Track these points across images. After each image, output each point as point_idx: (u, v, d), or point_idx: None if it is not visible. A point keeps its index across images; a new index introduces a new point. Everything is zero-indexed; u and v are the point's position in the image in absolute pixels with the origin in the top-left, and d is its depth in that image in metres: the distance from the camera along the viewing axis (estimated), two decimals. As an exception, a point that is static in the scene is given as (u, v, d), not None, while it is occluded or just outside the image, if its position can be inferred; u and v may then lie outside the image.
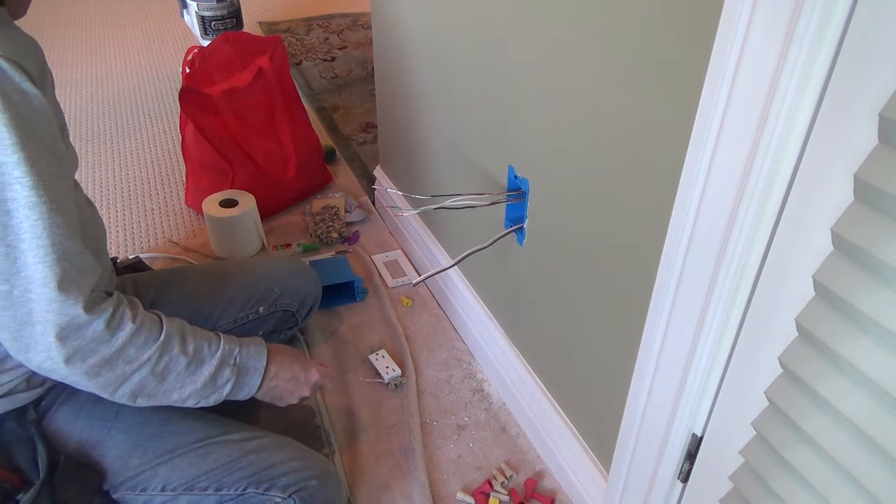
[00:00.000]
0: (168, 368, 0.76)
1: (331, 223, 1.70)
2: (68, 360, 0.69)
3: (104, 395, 0.74)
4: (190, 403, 0.79)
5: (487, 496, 1.08)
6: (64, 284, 0.67)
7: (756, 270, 0.59)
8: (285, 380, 0.89)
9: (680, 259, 0.67)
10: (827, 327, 0.51)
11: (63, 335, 0.67)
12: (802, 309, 0.54)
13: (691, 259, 0.65)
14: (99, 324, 0.69)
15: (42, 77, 0.73)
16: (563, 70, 0.83)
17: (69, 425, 0.82)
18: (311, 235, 1.70)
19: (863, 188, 0.46)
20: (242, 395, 0.85)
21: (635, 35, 0.69)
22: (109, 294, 0.74)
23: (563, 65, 0.83)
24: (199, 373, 0.78)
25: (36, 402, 0.81)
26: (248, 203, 1.59)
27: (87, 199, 0.90)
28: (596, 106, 0.79)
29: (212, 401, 0.81)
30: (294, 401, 0.93)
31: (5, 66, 0.63)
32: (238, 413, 0.95)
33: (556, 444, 1.10)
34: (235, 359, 0.83)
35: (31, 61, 0.69)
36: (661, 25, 0.65)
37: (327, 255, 1.63)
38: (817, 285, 0.52)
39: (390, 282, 1.55)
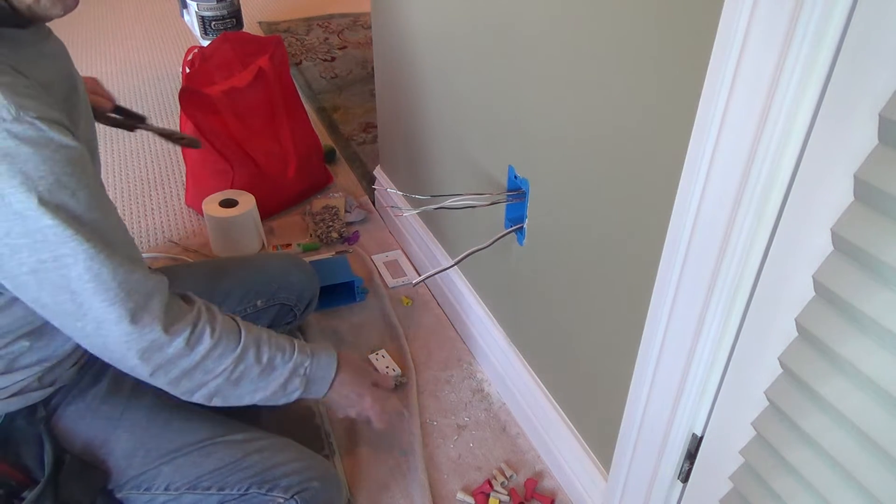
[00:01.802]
0: (243, 376, 0.79)
1: (331, 223, 1.70)
2: (152, 374, 0.73)
3: (182, 398, 0.77)
4: (260, 403, 0.83)
5: (487, 496, 1.08)
6: (136, 317, 0.69)
7: (756, 270, 0.59)
8: (342, 396, 0.92)
9: (680, 259, 0.67)
10: (827, 327, 0.51)
11: (145, 356, 0.71)
12: (802, 309, 0.54)
13: (691, 259, 0.65)
14: (179, 342, 0.72)
15: (70, 101, 0.75)
16: (564, 70, 0.83)
17: (76, 424, 0.83)
18: (311, 235, 1.70)
19: (863, 188, 0.46)
20: (311, 397, 0.89)
21: (636, 35, 0.69)
22: (187, 300, 0.77)
23: (564, 64, 0.83)
24: (271, 380, 0.82)
25: (46, 401, 0.82)
26: (248, 203, 1.59)
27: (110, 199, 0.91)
28: (596, 106, 0.79)
29: (281, 402, 0.85)
30: (341, 416, 0.97)
31: (44, 127, 0.62)
32: (240, 413, 0.95)
33: (556, 444, 1.10)
34: (306, 370, 0.86)
35: (58, 92, 0.71)
36: (661, 25, 0.65)
37: (327, 255, 1.63)
38: (817, 285, 0.52)
39: (390, 282, 1.55)
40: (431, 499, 1.08)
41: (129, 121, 1.12)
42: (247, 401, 0.81)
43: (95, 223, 0.66)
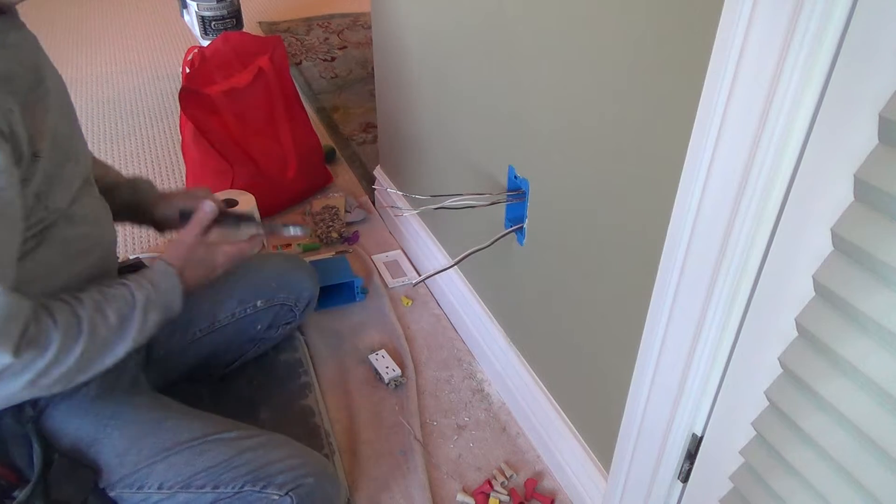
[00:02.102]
0: (104, 344, 0.77)
1: (331, 223, 1.70)
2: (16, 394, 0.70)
3: (54, 390, 0.74)
4: (130, 350, 0.80)
5: (487, 496, 1.08)
6: None
7: (756, 270, 0.59)
8: (197, 275, 0.91)
9: (680, 259, 0.67)
10: (827, 327, 0.51)
11: None
12: (802, 309, 0.54)
13: (691, 259, 0.65)
14: (35, 361, 0.69)
15: (35, 93, 0.73)
16: (564, 70, 0.83)
17: (65, 423, 0.82)
18: (311, 235, 1.70)
19: (863, 188, 0.46)
20: (175, 311, 0.86)
21: (636, 35, 0.69)
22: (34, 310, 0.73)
23: (564, 64, 0.83)
24: (130, 329, 0.79)
25: (33, 401, 0.81)
26: (248, 203, 1.59)
27: (102, 200, 0.90)
28: (596, 106, 0.79)
29: (147, 336, 0.82)
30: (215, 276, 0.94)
31: None
32: (237, 413, 0.95)
33: (556, 444, 1.10)
34: (153, 300, 0.82)
35: (19, 84, 0.69)
36: (661, 25, 0.65)
37: (327, 255, 1.63)
38: (817, 285, 0.52)
39: (390, 282, 1.55)
40: (431, 499, 1.08)
41: (237, 222, 1.11)
42: (121, 355, 0.79)
43: None
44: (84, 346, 0.74)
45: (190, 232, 0.94)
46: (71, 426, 0.83)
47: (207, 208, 0.95)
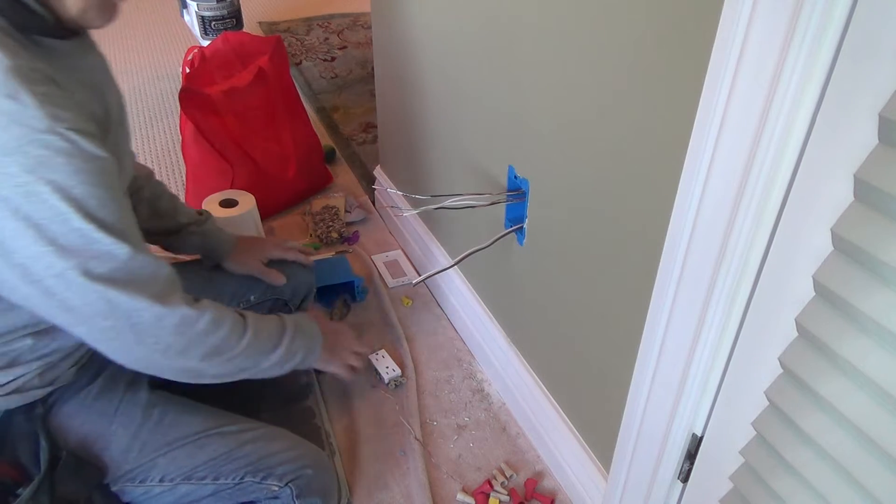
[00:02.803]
0: (258, 351, 0.83)
1: (331, 223, 1.70)
2: (185, 350, 0.75)
3: (208, 378, 0.80)
4: (273, 374, 0.87)
5: (487, 496, 1.08)
6: (164, 299, 0.72)
7: (756, 270, 0.59)
8: (326, 355, 0.97)
9: (680, 259, 0.67)
10: (827, 327, 0.51)
11: (179, 331, 0.73)
12: (802, 309, 0.54)
13: (691, 259, 0.65)
14: (207, 318, 0.76)
15: (107, 114, 0.79)
16: (564, 70, 0.83)
17: (71, 420, 0.83)
18: (311, 235, 1.70)
19: (863, 188, 0.46)
20: (310, 359, 0.92)
21: (636, 35, 0.69)
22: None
23: (564, 64, 0.83)
24: (277, 352, 0.86)
25: (43, 398, 0.82)
26: (248, 203, 1.59)
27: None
28: (596, 106, 0.79)
29: (286, 369, 0.89)
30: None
31: (76, 138, 0.64)
32: (238, 410, 0.96)
33: (556, 444, 1.10)
34: (298, 337, 0.89)
35: (93, 103, 0.75)
36: (661, 25, 0.65)
37: (327, 254, 1.63)
38: (817, 285, 0.52)
39: (390, 282, 1.55)
40: (431, 499, 1.08)
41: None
42: (269, 366, 0.85)
43: (120, 226, 0.69)
44: (249, 340, 0.81)
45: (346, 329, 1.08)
46: (76, 423, 0.83)
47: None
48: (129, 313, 0.69)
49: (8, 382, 0.77)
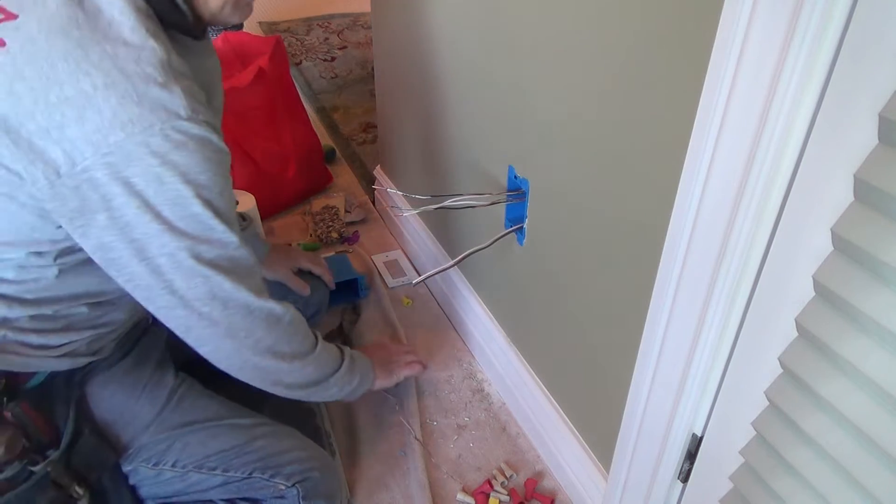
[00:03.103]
0: (321, 377, 0.90)
1: (331, 223, 1.70)
2: (273, 345, 0.79)
3: (285, 384, 0.85)
4: (333, 398, 0.95)
5: (487, 496, 1.08)
6: (259, 291, 0.76)
7: (756, 270, 0.59)
8: (381, 381, 1.06)
9: (680, 259, 0.67)
10: (827, 327, 0.51)
11: (269, 324, 0.77)
12: (802, 309, 0.54)
13: (691, 259, 0.65)
14: (289, 316, 0.80)
15: (217, 114, 0.84)
16: (564, 70, 0.83)
17: (103, 390, 0.85)
18: (311, 235, 1.70)
19: (863, 188, 0.46)
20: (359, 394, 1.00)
21: (636, 35, 0.69)
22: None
23: (564, 64, 0.83)
24: (340, 379, 0.93)
25: (83, 367, 0.84)
26: (247, 203, 1.59)
27: None
28: (596, 106, 0.79)
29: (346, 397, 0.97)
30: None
31: (208, 132, 0.68)
32: (244, 403, 0.97)
33: (556, 444, 1.10)
34: (357, 367, 0.97)
35: (211, 103, 0.77)
36: (661, 25, 0.65)
37: (327, 254, 1.63)
38: (817, 285, 0.52)
39: (390, 282, 1.55)
40: (431, 499, 1.08)
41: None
42: (330, 394, 0.92)
43: (231, 217, 0.73)
44: (319, 351, 0.87)
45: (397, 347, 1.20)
46: (106, 393, 0.85)
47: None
48: (227, 301, 0.72)
49: (62, 345, 0.79)
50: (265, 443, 0.89)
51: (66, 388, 0.81)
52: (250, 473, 0.87)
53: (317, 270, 1.25)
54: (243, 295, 0.73)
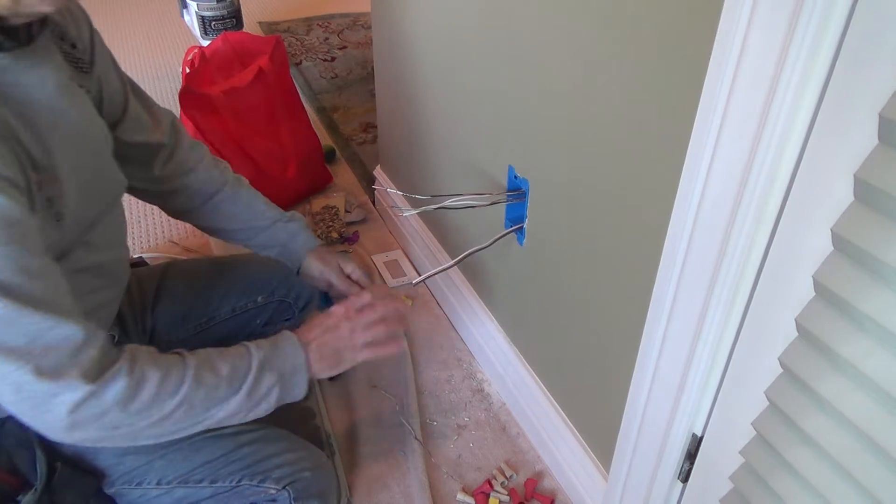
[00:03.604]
0: (207, 398, 0.72)
1: (331, 223, 1.70)
2: (88, 426, 0.66)
3: (145, 441, 0.71)
4: (241, 420, 0.76)
5: (487, 496, 1.08)
6: (59, 373, 0.62)
7: (756, 270, 0.59)
8: (328, 362, 0.84)
9: (680, 259, 0.67)
10: (827, 327, 0.51)
11: (78, 411, 0.64)
12: (802, 309, 0.54)
13: (691, 259, 0.65)
14: (117, 389, 0.66)
15: (57, 129, 0.68)
16: (564, 69, 0.83)
17: None
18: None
19: (863, 188, 0.46)
20: (295, 394, 0.80)
21: (636, 36, 0.69)
22: (118, 346, 0.70)
23: (564, 64, 0.83)
24: (240, 392, 0.74)
25: None
26: (248, 203, 1.59)
27: (122, 211, 0.89)
28: (596, 106, 0.79)
29: (262, 412, 0.78)
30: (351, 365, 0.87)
31: None
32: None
33: (556, 444, 1.10)
34: (270, 363, 0.78)
35: (39, 121, 0.65)
36: (661, 25, 0.65)
37: (327, 255, 1.63)
38: (817, 285, 0.52)
39: (390, 282, 1.55)
40: (431, 499, 1.08)
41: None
42: (226, 422, 0.75)
43: (15, 286, 0.60)
44: (186, 393, 0.70)
45: (342, 314, 0.86)
46: None
47: (366, 298, 0.89)
48: (18, 386, 0.61)
49: None
50: (251, 449, 0.86)
51: (21, 430, 0.75)
52: (239, 481, 0.84)
53: (355, 276, 1.07)
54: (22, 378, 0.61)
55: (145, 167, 0.94)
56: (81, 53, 0.78)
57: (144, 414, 0.68)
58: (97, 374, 0.64)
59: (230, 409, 0.73)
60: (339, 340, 0.85)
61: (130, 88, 0.91)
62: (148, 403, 0.67)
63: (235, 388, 0.73)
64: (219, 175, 1.02)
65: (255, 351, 0.77)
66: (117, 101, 0.87)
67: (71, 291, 0.66)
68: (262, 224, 1.04)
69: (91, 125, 0.77)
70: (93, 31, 0.81)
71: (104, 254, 0.82)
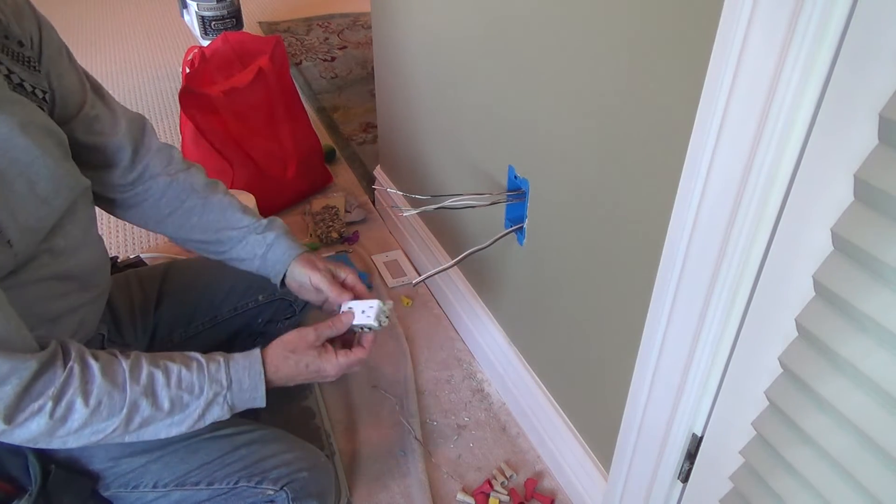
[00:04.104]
0: (145, 422, 0.73)
1: (331, 223, 1.70)
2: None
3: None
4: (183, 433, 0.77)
5: (487, 496, 1.08)
6: None
7: (756, 270, 0.59)
8: (295, 378, 0.85)
9: (680, 259, 0.67)
10: (827, 327, 0.51)
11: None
12: (802, 309, 0.54)
13: (691, 259, 0.65)
14: (33, 425, 0.66)
15: None
16: (564, 70, 0.83)
17: None
18: (311, 235, 1.70)
19: (863, 188, 0.46)
20: (252, 406, 0.81)
21: (636, 35, 0.69)
22: (65, 358, 0.69)
23: (564, 64, 0.83)
24: (185, 415, 0.75)
25: None
26: (247, 203, 1.58)
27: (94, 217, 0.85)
28: (596, 106, 0.79)
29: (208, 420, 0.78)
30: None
31: None
32: (237, 415, 0.95)
33: (556, 444, 1.10)
34: (224, 388, 0.78)
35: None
36: (661, 25, 0.65)
37: (327, 254, 1.63)
38: (817, 285, 0.52)
39: (390, 282, 1.55)
40: (431, 499, 1.08)
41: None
42: (163, 435, 0.75)
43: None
44: (117, 424, 0.70)
45: (314, 335, 0.85)
46: None
47: (346, 320, 0.88)
48: None
49: None
50: (248, 450, 0.86)
51: None
52: (236, 483, 0.84)
53: (350, 280, 1.00)
54: None
55: (105, 172, 0.87)
56: (29, 51, 0.73)
57: (73, 437, 0.69)
58: (12, 412, 0.64)
59: (167, 433, 0.75)
60: (307, 376, 0.85)
61: (91, 87, 0.84)
62: (76, 430, 0.68)
63: (177, 422, 0.74)
64: (188, 180, 0.94)
65: (209, 387, 0.76)
66: (73, 99, 0.81)
67: (10, 317, 0.64)
68: (235, 235, 0.95)
69: (42, 140, 0.71)
70: (41, 26, 0.76)
71: (71, 257, 0.78)
